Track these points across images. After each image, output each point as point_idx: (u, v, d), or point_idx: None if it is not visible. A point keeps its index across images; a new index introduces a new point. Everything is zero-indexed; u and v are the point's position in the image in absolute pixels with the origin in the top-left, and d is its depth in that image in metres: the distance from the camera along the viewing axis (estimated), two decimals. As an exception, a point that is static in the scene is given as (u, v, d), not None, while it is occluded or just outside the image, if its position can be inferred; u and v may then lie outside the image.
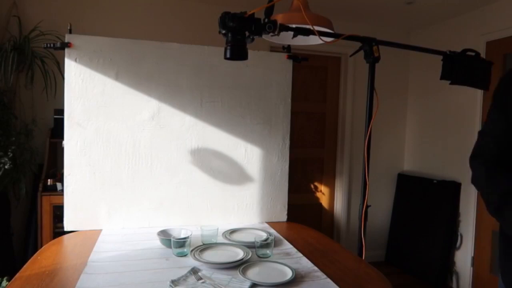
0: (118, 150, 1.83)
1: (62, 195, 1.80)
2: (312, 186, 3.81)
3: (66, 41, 1.73)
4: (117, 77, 1.81)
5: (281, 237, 1.75)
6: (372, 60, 1.53)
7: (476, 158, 1.19)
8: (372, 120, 1.54)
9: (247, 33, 1.28)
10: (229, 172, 2.00)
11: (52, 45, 1.74)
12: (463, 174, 3.26)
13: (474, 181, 1.20)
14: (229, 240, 1.67)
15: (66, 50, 1.74)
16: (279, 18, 1.51)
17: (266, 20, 1.29)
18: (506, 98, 1.12)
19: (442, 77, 1.64)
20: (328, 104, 3.82)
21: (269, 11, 1.30)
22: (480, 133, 1.21)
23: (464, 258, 3.24)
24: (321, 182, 3.83)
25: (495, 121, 1.15)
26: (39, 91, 2.83)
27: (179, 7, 3.23)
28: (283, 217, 2.11)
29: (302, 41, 1.56)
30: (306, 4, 1.61)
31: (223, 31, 1.25)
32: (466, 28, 3.24)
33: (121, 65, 1.82)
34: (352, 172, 3.81)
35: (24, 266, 1.37)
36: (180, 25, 3.18)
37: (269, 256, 1.49)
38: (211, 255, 1.45)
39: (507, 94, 1.12)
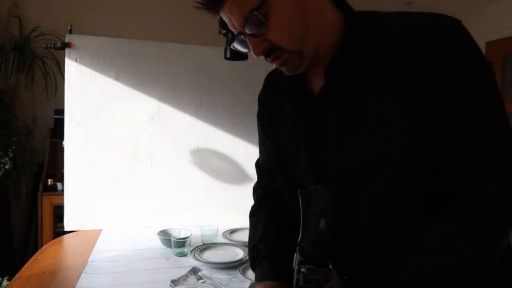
0: (118, 150, 1.83)
1: (62, 195, 1.80)
2: (312, 186, 3.80)
3: (66, 41, 1.73)
4: (117, 77, 1.81)
5: (281, 237, 1.75)
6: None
7: None
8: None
9: (247, 33, 1.28)
10: (229, 172, 2.00)
11: (52, 45, 1.75)
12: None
13: None
14: (229, 240, 1.67)
15: (67, 50, 1.74)
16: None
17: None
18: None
19: None
20: (328, 104, 3.82)
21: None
22: None
23: None
24: (321, 182, 3.82)
25: None
26: (39, 91, 2.83)
27: (179, 7, 3.23)
28: (283, 217, 2.11)
29: (302, 41, 1.56)
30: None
31: (223, 31, 1.25)
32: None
33: (121, 65, 1.81)
34: (352, 172, 3.81)
35: (25, 266, 1.37)
36: (180, 25, 3.17)
37: (269, 256, 1.48)
38: (211, 255, 1.45)
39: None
